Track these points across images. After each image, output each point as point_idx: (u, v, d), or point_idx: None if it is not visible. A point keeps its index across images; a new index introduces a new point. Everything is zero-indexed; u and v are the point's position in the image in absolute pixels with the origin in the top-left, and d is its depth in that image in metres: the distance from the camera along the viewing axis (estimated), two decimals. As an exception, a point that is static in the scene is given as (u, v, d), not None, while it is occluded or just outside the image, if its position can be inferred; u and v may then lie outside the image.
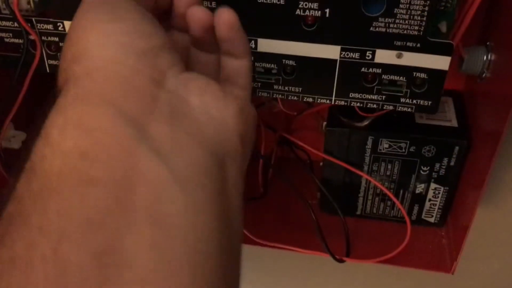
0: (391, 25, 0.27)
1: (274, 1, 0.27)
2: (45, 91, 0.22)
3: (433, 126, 0.37)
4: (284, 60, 0.30)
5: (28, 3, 0.31)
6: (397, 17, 0.27)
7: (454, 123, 0.37)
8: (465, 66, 0.34)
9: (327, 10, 0.27)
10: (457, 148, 0.36)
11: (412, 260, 0.38)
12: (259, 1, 0.27)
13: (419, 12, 0.26)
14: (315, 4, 0.27)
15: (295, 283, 0.49)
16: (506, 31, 0.30)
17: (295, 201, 0.42)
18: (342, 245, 0.39)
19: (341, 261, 0.38)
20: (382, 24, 0.27)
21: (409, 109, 0.30)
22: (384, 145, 0.37)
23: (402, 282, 0.46)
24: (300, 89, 0.31)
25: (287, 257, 0.43)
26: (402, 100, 0.30)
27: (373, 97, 0.30)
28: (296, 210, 0.42)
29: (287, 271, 0.48)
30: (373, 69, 0.29)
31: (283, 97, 0.31)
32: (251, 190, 0.43)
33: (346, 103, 0.30)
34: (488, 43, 0.33)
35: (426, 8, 0.26)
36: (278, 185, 0.44)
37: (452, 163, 0.36)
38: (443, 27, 0.29)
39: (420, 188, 0.38)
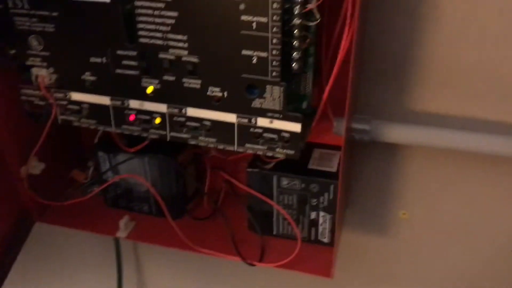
0: (263, 103, 0.44)
1: (193, 86, 0.45)
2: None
3: (318, 170, 0.52)
4: (203, 121, 0.46)
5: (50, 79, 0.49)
6: (266, 99, 0.43)
7: (334, 169, 0.52)
8: (335, 130, 0.50)
9: (225, 93, 0.44)
10: (332, 186, 0.51)
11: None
12: (184, 85, 0.45)
13: (277, 96, 0.43)
14: (218, 89, 0.44)
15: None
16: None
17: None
18: (258, 254, 0.54)
19: (251, 265, 0.53)
20: (258, 103, 0.44)
21: (282, 156, 0.46)
22: (284, 182, 0.52)
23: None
24: (215, 139, 0.47)
25: (213, 261, 0.58)
26: (277, 149, 0.46)
27: (259, 147, 0.46)
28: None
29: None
30: (257, 129, 0.45)
31: (205, 144, 0.48)
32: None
33: (243, 151, 0.47)
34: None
35: (282, 94, 0.43)
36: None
37: (331, 197, 0.52)
38: (304, 105, 0.46)
39: (313, 215, 0.54)
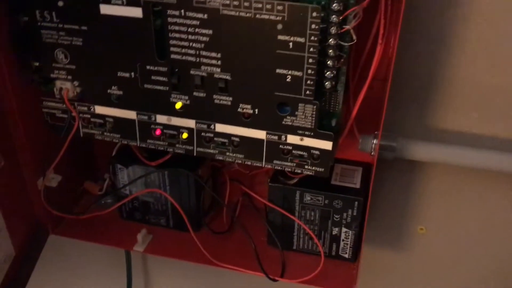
0: (295, 121, 0.44)
1: (224, 103, 0.44)
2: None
3: (341, 187, 0.52)
4: (232, 137, 0.46)
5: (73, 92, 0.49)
6: (297, 116, 0.43)
7: (358, 185, 0.53)
8: (360, 147, 0.50)
9: (256, 110, 0.44)
10: (356, 202, 0.51)
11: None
12: (215, 102, 0.45)
13: (310, 114, 0.43)
14: (248, 106, 0.44)
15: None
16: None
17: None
18: (279, 269, 0.54)
19: (274, 280, 0.53)
20: (289, 120, 0.44)
21: (311, 173, 0.46)
22: (307, 197, 0.52)
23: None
24: (243, 155, 0.47)
25: (236, 276, 0.58)
26: (306, 167, 0.46)
27: (288, 164, 0.46)
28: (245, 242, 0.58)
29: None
30: (286, 146, 0.45)
31: (232, 160, 0.48)
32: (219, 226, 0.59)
33: (271, 167, 0.47)
34: (376, 132, 0.49)
35: (315, 112, 0.43)
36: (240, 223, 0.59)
37: (354, 213, 0.52)
38: (333, 122, 0.46)
39: (335, 230, 0.54)
